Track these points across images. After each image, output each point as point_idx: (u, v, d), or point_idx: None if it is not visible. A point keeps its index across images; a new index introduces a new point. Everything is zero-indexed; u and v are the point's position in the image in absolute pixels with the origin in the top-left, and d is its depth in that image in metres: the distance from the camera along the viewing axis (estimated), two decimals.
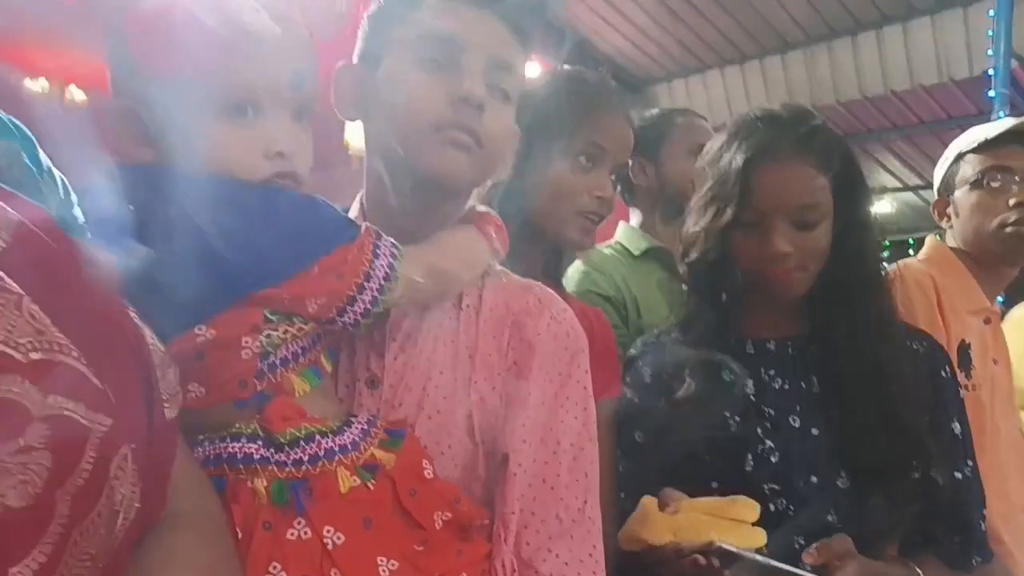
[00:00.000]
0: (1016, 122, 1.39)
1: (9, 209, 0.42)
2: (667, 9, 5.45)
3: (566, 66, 1.27)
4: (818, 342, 1.03)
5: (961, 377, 1.32)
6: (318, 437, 0.66)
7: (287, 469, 0.65)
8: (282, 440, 0.65)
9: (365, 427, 0.71)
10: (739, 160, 1.02)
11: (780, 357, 1.07)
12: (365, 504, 0.66)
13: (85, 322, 0.43)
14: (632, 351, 1.20)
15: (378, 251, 0.71)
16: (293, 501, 0.63)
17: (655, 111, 1.73)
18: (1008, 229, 1.36)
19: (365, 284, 0.70)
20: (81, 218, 0.61)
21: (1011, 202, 1.35)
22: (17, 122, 0.65)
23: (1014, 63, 4.29)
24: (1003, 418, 1.43)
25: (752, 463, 1.01)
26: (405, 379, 0.80)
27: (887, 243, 1.61)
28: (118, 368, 0.44)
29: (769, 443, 1.02)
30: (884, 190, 7.41)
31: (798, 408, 1.02)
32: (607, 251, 1.65)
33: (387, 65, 0.82)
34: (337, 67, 0.85)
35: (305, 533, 0.63)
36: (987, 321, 1.47)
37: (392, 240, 0.74)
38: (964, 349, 1.37)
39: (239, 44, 0.63)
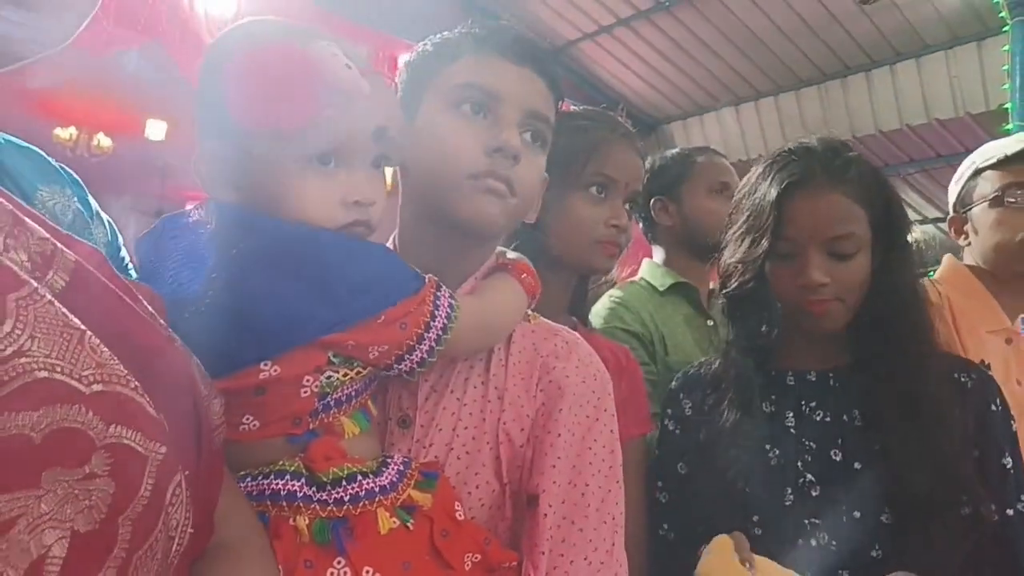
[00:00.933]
0: None
1: (67, 250, 0.45)
2: (681, 50, 5.54)
3: (578, 107, 1.31)
4: (860, 374, 1.03)
5: None
6: (359, 477, 0.68)
7: (329, 508, 0.66)
8: (324, 479, 0.66)
9: (401, 468, 0.72)
10: (773, 191, 1.04)
11: (821, 389, 1.07)
12: (404, 545, 0.67)
13: (140, 356, 0.45)
14: (673, 383, 1.21)
15: (438, 303, 0.74)
16: (334, 540, 0.64)
17: (675, 150, 1.76)
18: None
19: (425, 335, 0.72)
20: (128, 259, 0.63)
21: None
22: (68, 169, 0.68)
23: None
24: None
25: (792, 496, 1.01)
26: (436, 419, 0.81)
27: None
28: (171, 399, 0.46)
29: (810, 476, 1.01)
30: None
31: (840, 441, 1.02)
32: (633, 288, 1.66)
33: (424, 112, 0.85)
34: None
35: (345, 573, 0.64)
36: (1008, 341, 1.43)
37: (450, 292, 0.76)
38: None
39: (330, 98, 0.66)
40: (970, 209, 1.45)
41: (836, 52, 5.30)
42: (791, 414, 1.07)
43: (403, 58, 0.92)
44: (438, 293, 0.74)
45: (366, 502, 0.67)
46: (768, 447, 1.05)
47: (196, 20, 3.41)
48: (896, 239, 1.05)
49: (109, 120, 5.76)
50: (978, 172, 1.44)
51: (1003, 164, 1.39)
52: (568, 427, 0.81)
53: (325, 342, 0.67)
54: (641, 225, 1.78)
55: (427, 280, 0.74)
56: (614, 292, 1.65)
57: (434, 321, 0.72)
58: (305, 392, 0.68)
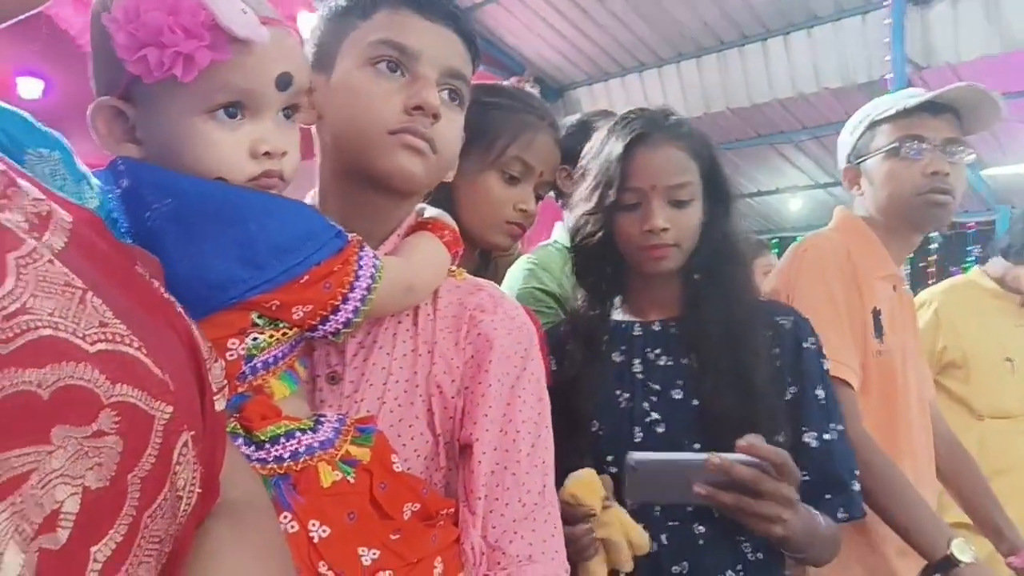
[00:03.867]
0: (933, 93, 1.45)
1: (63, 212, 0.44)
2: (587, 16, 5.58)
3: (492, 75, 1.32)
4: (695, 321, 1.15)
5: (874, 343, 1.42)
6: (297, 433, 0.69)
7: (269, 466, 0.67)
8: (263, 438, 0.67)
9: (336, 425, 0.73)
10: (619, 146, 1.15)
11: (664, 336, 1.19)
12: (348, 497, 0.69)
13: (141, 315, 0.44)
14: None
15: (362, 263, 0.74)
16: (278, 496, 0.65)
17: (574, 119, 1.79)
18: (923, 196, 1.43)
19: (349, 295, 0.72)
20: (119, 219, 0.62)
21: (927, 171, 1.42)
22: (54, 132, 0.66)
23: (909, 68, 4.58)
24: (916, 380, 1.50)
25: (641, 434, 1.13)
26: (366, 375, 0.82)
27: (798, 237, 1.71)
28: (174, 359, 0.45)
29: (655, 415, 1.13)
30: (796, 188, 7.76)
31: (680, 382, 1.14)
32: (548, 250, 1.70)
33: (341, 68, 0.84)
34: None
35: (292, 527, 0.65)
36: (894, 288, 1.53)
37: (373, 252, 0.76)
38: (876, 315, 1.45)
39: (226, 45, 0.64)
40: (864, 160, 1.53)
41: (734, 21, 5.46)
42: (638, 360, 1.19)
43: (318, 10, 0.90)
44: (361, 253, 0.75)
45: (306, 458, 0.68)
46: (618, 392, 1.17)
47: None
48: (721, 193, 1.18)
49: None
50: (874, 124, 1.51)
51: (899, 116, 1.47)
52: (498, 377, 0.83)
53: (248, 303, 0.67)
54: (553, 193, 1.82)
55: (350, 239, 0.74)
56: (530, 255, 1.68)
57: (358, 282, 0.73)
58: (231, 355, 0.67)
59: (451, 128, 0.87)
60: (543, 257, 1.66)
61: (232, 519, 0.53)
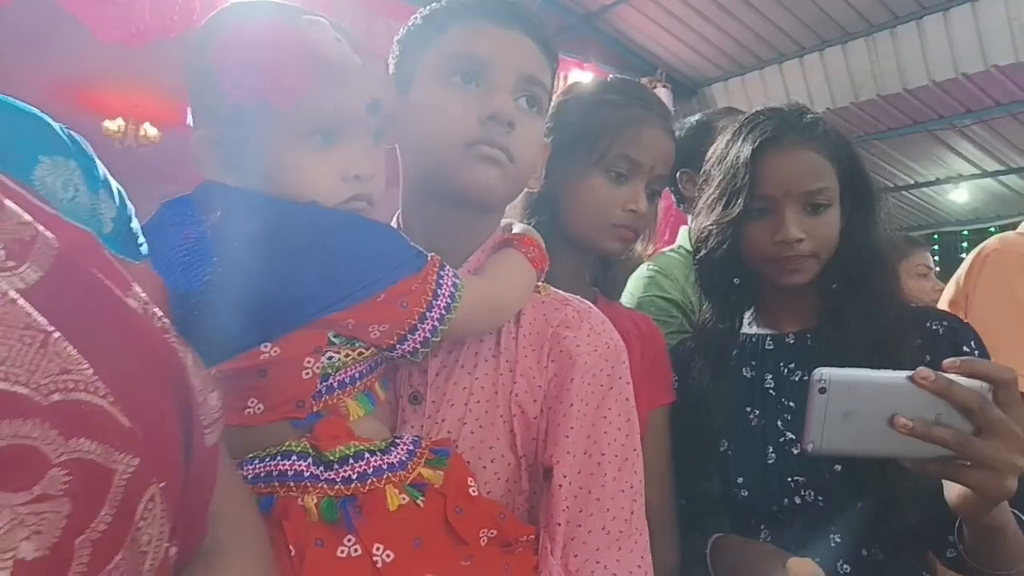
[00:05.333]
0: None
1: (50, 235, 0.41)
2: (720, 8, 5.36)
3: (614, 74, 1.27)
4: (834, 332, 1.04)
5: None
6: (367, 455, 0.68)
7: (336, 487, 0.66)
8: (331, 458, 0.66)
9: (411, 447, 0.72)
10: (747, 151, 1.05)
11: (799, 350, 1.10)
12: (414, 522, 0.67)
13: (119, 354, 0.41)
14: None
15: (441, 282, 0.73)
16: (343, 518, 0.64)
17: (695, 117, 1.71)
18: None
19: (427, 314, 0.71)
20: (139, 233, 0.63)
21: None
22: (72, 133, 0.63)
23: None
24: None
25: (774, 455, 1.03)
26: (447, 395, 0.81)
27: (965, 232, 1.54)
28: (153, 400, 0.43)
29: (790, 435, 1.03)
30: (960, 178, 7.08)
31: None
32: (670, 256, 1.64)
33: (417, 87, 0.84)
34: None
35: (355, 551, 0.64)
36: None
37: (455, 272, 0.75)
38: None
39: (321, 73, 0.66)
40: None
41: (884, 1, 5.06)
42: (770, 376, 1.10)
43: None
44: (441, 272, 0.73)
45: (374, 479, 0.67)
46: (748, 410, 1.08)
47: None
48: (863, 196, 1.07)
49: (154, 110, 5.88)
50: None
51: None
52: (581, 396, 0.80)
53: (325, 321, 0.67)
54: (674, 197, 1.75)
55: (430, 258, 0.73)
56: (652, 261, 1.63)
57: (436, 300, 0.72)
58: (307, 374, 0.67)
59: (529, 136, 0.84)
60: (665, 263, 1.60)
61: (218, 565, 0.51)
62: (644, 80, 5.72)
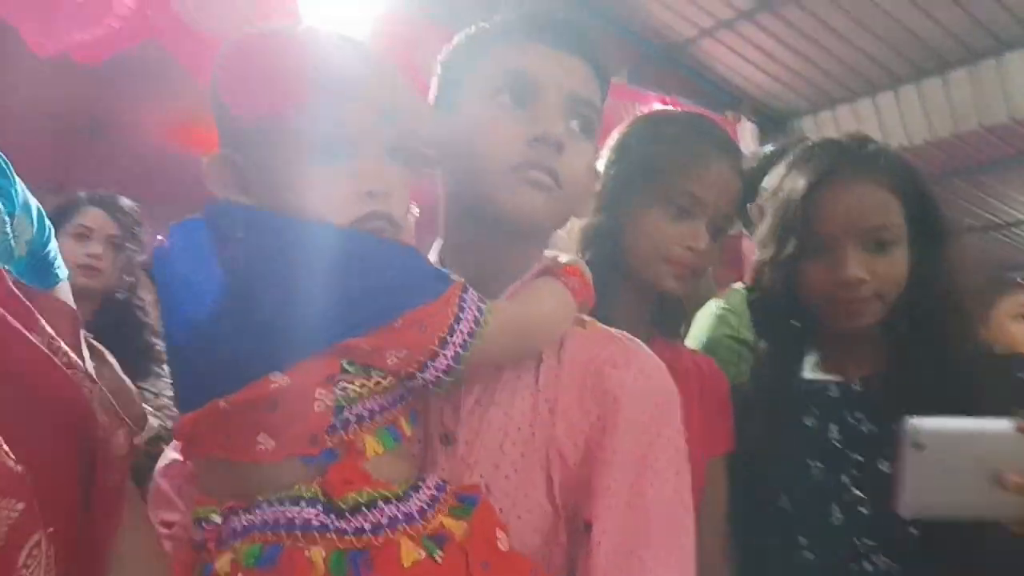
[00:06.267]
0: None
1: None
2: (808, 39, 5.21)
3: (696, 107, 1.22)
4: (906, 379, 0.95)
5: None
6: (380, 503, 0.62)
7: (347, 538, 0.61)
8: (343, 506, 0.61)
9: (434, 492, 0.66)
10: (801, 185, 0.98)
11: (866, 398, 1.00)
12: None
13: (15, 393, 0.39)
14: None
15: (464, 306, 0.68)
16: (352, 574, 0.59)
17: (768, 148, 1.64)
18: None
19: (448, 339, 0.66)
20: (55, 255, 0.60)
21: None
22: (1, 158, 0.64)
23: None
24: None
25: (840, 515, 0.94)
26: (480, 435, 0.75)
27: None
28: (48, 440, 0.41)
29: (857, 491, 0.94)
30: None
31: (888, 452, 0.93)
32: (741, 293, 1.56)
33: (461, 107, 0.81)
34: None
35: None
36: None
37: (479, 295, 0.70)
38: None
39: (318, 83, 0.63)
40: None
41: (987, 25, 4.79)
42: (835, 426, 1.00)
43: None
44: (464, 295, 0.69)
45: (388, 531, 0.61)
46: (811, 463, 0.99)
47: None
48: (934, 231, 0.98)
49: None
50: None
51: None
52: (624, 444, 0.73)
53: (338, 348, 0.63)
54: (746, 231, 1.68)
55: (454, 281, 0.69)
56: (721, 299, 1.56)
57: (459, 325, 0.67)
58: (319, 406, 0.63)
59: (579, 159, 0.79)
60: (736, 301, 1.52)
61: None
62: (728, 114, 5.59)
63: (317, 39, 0.65)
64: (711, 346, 1.47)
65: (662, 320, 1.19)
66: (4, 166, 0.58)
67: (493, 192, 0.77)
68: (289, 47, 0.62)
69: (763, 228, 1.07)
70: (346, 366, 0.65)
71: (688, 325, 1.44)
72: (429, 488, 0.68)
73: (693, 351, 1.24)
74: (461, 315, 0.68)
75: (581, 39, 0.81)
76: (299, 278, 0.63)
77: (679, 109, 1.23)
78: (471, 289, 0.71)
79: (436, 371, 0.67)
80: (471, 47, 0.84)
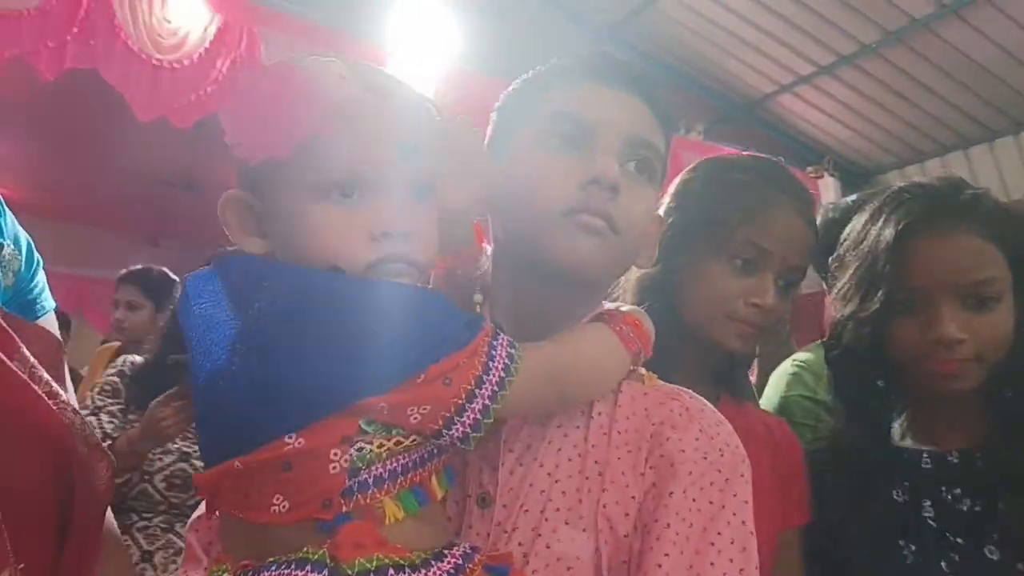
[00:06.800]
0: None
1: None
2: (893, 93, 5.05)
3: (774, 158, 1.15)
4: (1014, 451, 0.85)
5: None
6: (391, 571, 0.56)
7: None
8: (349, 572, 0.55)
9: (459, 562, 0.60)
10: (888, 233, 0.90)
11: (966, 471, 0.90)
12: None
13: None
14: None
15: (493, 353, 0.62)
16: None
17: (850, 199, 1.55)
18: None
19: (476, 391, 0.61)
20: (43, 287, 0.59)
21: None
22: None
23: None
24: None
25: None
26: (521, 498, 0.69)
27: None
28: (24, 474, 0.39)
29: None
30: None
31: (995, 536, 0.84)
32: (821, 349, 1.46)
33: (513, 151, 0.77)
34: None
35: None
36: None
37: (510, 340, 0.64)
38: None
39: (323, 117, 0.59)
40: None
41: None
42: (928, 503, 0.90)
43: None
44: (494, 342, 0.63)
45: None
46: (901, 544, 0.89)
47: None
48: None
49: None
50: None
51: None
52: (682, 515, 0.65)
53: (355, 408, 0.58)
54: (824, 286, 1.58)
55: (482, 328, 0.63)
56: (799, 355, 1.46)
57: (488, 375, 0.61)
58: (334, 468, 0.58)
59: (637, 204, 0.74)
60: (814, 359, 1.41)
61: None
62: (810, 169, 5.44)
63: (327, 70, 0.61)
64: (785, 407, 1.36)
65: (729, 378, 1.11)
66: None
67: (544, 239, 0.72)
68: (294, 79, 0.59)
69: (844, 281, 0.98)
70: (364, 426, 0.60)
71: (762, 386, 1.34)
72: (455, 557, 0.61)
73: (764, 412, 1.15)
74: (490, 364, 0.62)
75: (639, 78, 0.77)
76: (310, 335, 0.59)
77: (748, 154, 1.16)
78: (501, 334, 0.66)
79: (464, 427, 0.61)
80: (525, 91, 0.81)
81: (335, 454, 0.58)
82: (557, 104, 0.76)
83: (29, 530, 0.40)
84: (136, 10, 3.28)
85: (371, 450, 0.59)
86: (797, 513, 0.99)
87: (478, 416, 0.61)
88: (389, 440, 0.61)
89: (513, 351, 0.64)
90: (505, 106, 0.83)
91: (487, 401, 0.61)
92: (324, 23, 3.73)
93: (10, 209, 0.67)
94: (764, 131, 5.67)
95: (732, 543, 0.66)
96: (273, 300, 0.60)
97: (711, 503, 0.67)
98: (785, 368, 1.44)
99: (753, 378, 1.87)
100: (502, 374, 0.62)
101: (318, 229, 0.62)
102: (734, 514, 0.67)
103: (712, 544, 0.65)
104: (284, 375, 0.58)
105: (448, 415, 0.60)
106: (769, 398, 1.42)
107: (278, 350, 0.58)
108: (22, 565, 0.38)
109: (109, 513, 0.55)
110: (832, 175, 5.48)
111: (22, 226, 0.68)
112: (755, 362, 1.80)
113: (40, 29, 3.03)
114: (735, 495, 0.68)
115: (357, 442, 0.59)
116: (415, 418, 0.60)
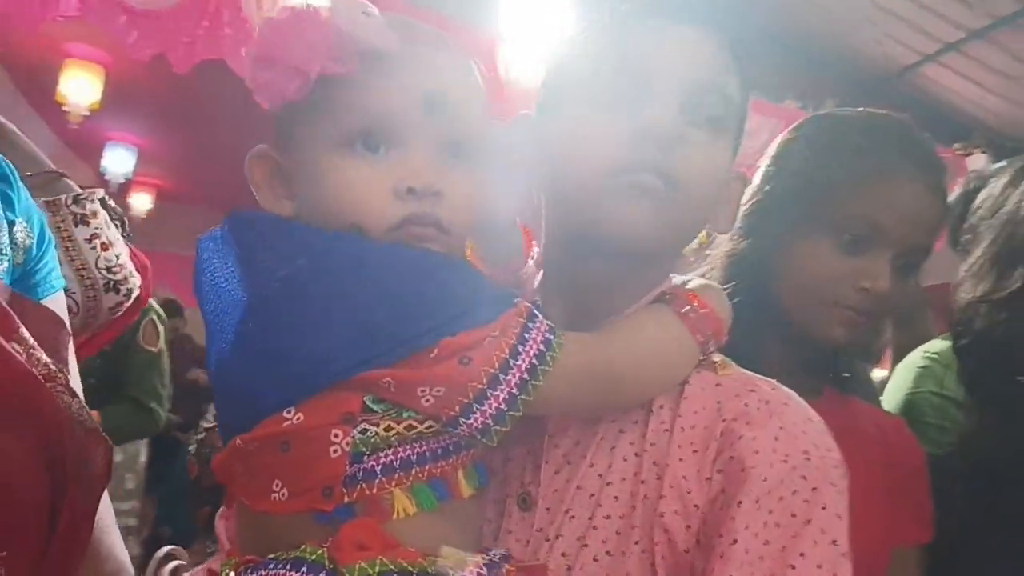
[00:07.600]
0: None
1: None
2: None
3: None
4: None
5: None
6: None
7: None
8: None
9: (482, 571, 0.53)
10: None
11: None
12: None
13: None
14: None
15: (527, 336, 0.55)
16: None
17: (994, 166, 1.34)
18: None
19: (501, 376, 0.53)
20: (53, 266, 0.57)
21: None
22: (4, 161, 0.61)
23: None
24: None
25: None
26: (566, 502, 0.61)
27: None
28: (13, 460, 0.38)
29: None
30: None
31: None
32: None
33: (561, 110, 0.69)
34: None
35: None
36: None
37: (550, 324, 0.57)
38: None
39: (342, 58, 0.54)
40: None
41: None
42: None
43: None
44: (530, 324, 0.55)
45: None
46: None
47: (500, 87, 3.62)
48: None
49: None
50: None
51: None
52: (753, 530, 0.55)
53: (359, 381, 0.52)
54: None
55: (515, 305, 0.56)
56: (932, 344, 1.29)
57: (517, 360, 0.54)
58: (335, 451, 0.52)
59: (702, 158, 0.63)
60: (947, 350, 1.24)
61: None
62: (957, 146, 4.96)
63: (350, 6, 0.56)
64: (912, 406, 1.20)
65: (835, 368, 0.97)
66: (8, 172, 0.60)
67: (588, 204, 0.64)
68: (309, 14, 0.54)
69: (978, 256, 0.84)
70: (370, 403, 0.54)
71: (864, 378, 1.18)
72: (477, 565, 0.53)
73: (878, 410, 1.00)
74: (520, 348, 0.54)
75: (709, 11, 0.65)
76: (315, 299, 0.54)
77: (865, 111, 1.01)
78: (539, 317, 0.58)
79: (484, 417, 0.53)
80: (577, 40, 0.71)
81: (336, 435, 0.53)
82: (611, 49, 0.66)
83: (15, 517, 0.39)
84: (261, 1, 3.43)
85: (377, 433, 0.54)
86: (915, 528, 0.85)
87: (502, 406, 0.53)
88: (399, 424, 0.54)
89: (552, 337, 0.56)
90: (556, 68, 0.74)
91: (514, 390, 0.53)
92: (435, 7, 3.76)
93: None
94: (906, 106, 5.18)
95: (819, 568, 0.54)
96: (282, 264, 0.56)
97: (793, 517, 0.56)
98: (913, 360, 1.27)
99: (886, 373, 1.69)
100: (534, 361, 0.54)
101: (340, 184, 0.57)
102: (822, 531, 0.56)
103: (793, 567, 0.54)
104: (284, 342, 0.53)
105: (466, 400, 0.54)
106: (893, 395, 1.26)
107: (280, 315, 0.54)
108: (5, 553, 0.37)
109: (117, 533, 0.53)
110: (983, 152, 4.98)
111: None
112: (887, 354, 1.62)
113: (176, 26, 3.24)
114: (824, 508, 0.57)
115: (361, 422, 0.54)
116: (427, 400, 0.54)
